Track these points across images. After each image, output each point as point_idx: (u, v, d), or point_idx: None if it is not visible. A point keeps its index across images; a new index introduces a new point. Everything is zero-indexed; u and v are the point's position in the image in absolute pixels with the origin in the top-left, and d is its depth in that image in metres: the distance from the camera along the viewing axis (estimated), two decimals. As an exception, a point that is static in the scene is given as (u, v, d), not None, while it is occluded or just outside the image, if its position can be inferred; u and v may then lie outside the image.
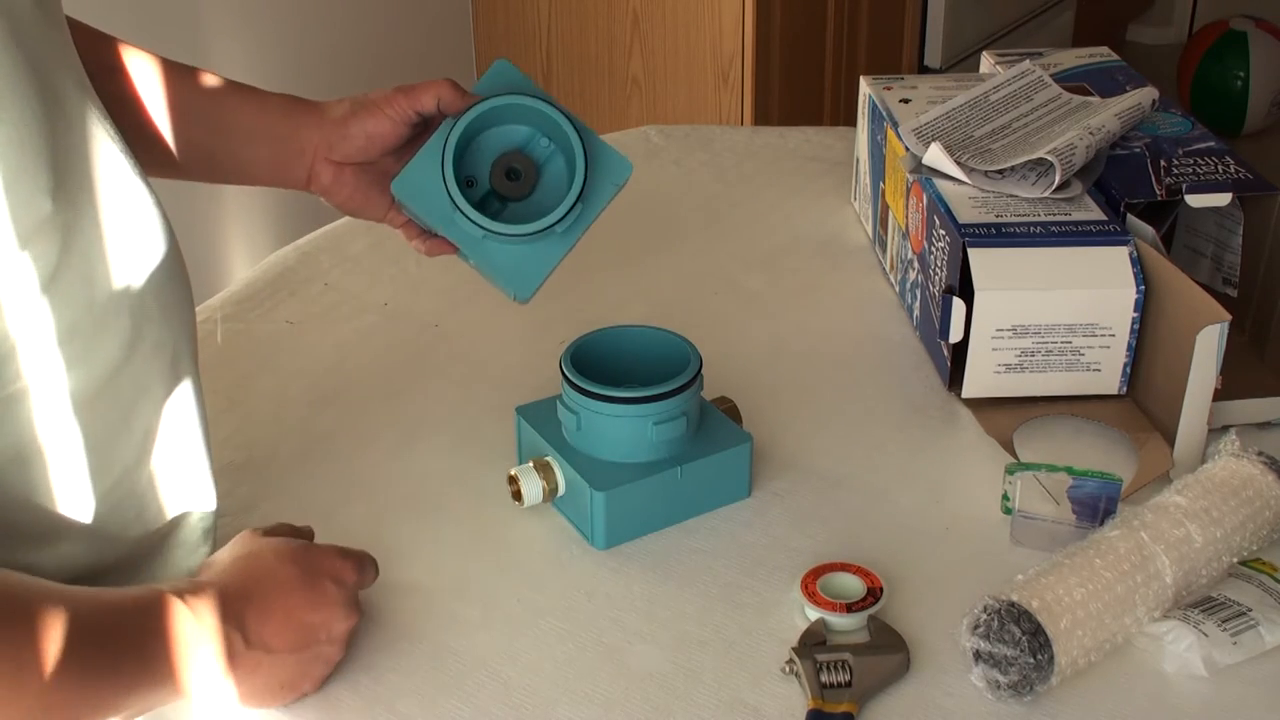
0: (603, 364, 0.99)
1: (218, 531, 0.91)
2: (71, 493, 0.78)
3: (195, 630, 0.75)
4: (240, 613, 0.77)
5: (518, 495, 0.97)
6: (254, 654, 0.77)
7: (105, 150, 0.78)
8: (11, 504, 0.75)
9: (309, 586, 0.81)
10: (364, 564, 0.86)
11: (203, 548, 0.89)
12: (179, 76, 0.99)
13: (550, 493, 0.97)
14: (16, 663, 0.66)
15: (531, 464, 0.97)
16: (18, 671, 0.66)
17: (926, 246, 1.14)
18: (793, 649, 0.84)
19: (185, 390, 0.85)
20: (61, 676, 0.67)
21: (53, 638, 0.68)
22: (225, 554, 0.83)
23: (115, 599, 0.74)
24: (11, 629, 0.67)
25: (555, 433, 0.98)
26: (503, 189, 1.00)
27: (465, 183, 0.99)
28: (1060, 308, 1.05)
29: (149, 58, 0.97)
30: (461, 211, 0.96)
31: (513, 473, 0.97)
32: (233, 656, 0.76)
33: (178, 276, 0.85)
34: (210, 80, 1.00)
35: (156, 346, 0.81)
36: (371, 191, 1.02)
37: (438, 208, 0.97)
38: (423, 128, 1.00)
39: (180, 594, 0.76)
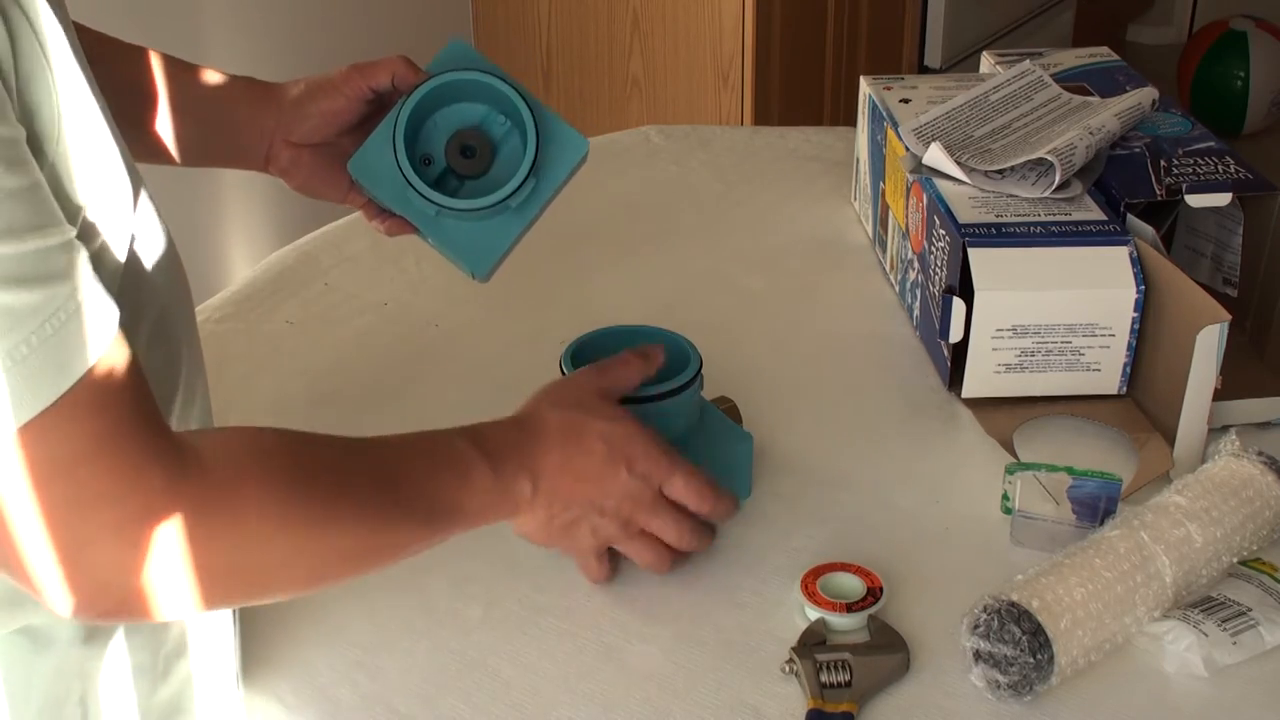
0: (603, 364, 0.99)
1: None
2: None
3: (492, 478, 0.83)
4: (540, 465, 0.85)
5: (518, 495, 0.97)
6: (538, 502, 0.85)
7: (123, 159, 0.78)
8: None
9: (605, 470, 0.87)
10: (690, 482, 0.90)
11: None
12: (138, 60, 0.98)
13: (550, 493, 0.96)
14: (338, 499, 0.75)
15: (531, 464, 0.97)
16: (341, 507, 0.75)
17: (926, 246, 1.14)
18: (793, 649, 0.84)
19: (191, 391, 0.85)
20: (374, 514, 0.77)
21: (373, 478, 0.78)
22: (553, 401, 0.89)
23: (426, 453, 0.83)
24: (337, 482, 0.76)
25: (555, 433, 0.98)
26: (458, 166, 0.98)
27: (422, 161, 0.98)
28: (1060, 308, 1.05)
29: (106, 40, 0.97)
30: (414, 188, 0.95)
31: (513, 473, 0.97)
32: (518, 503, 0.85)
33: (179, 279, 0.85)
34: (168, 63, 1.00)
35: (168, 358, 0.81)
36: (330, 173, 1.01)
37: (393, 186, 0.96)
38: (379, 106, 0.99)
39: (488, 450, 0.83)
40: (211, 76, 1.01)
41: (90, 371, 0.63)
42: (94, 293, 0.64)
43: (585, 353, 0.99)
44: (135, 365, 0.67)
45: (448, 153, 0.98)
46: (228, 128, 1.01)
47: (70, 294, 0.63)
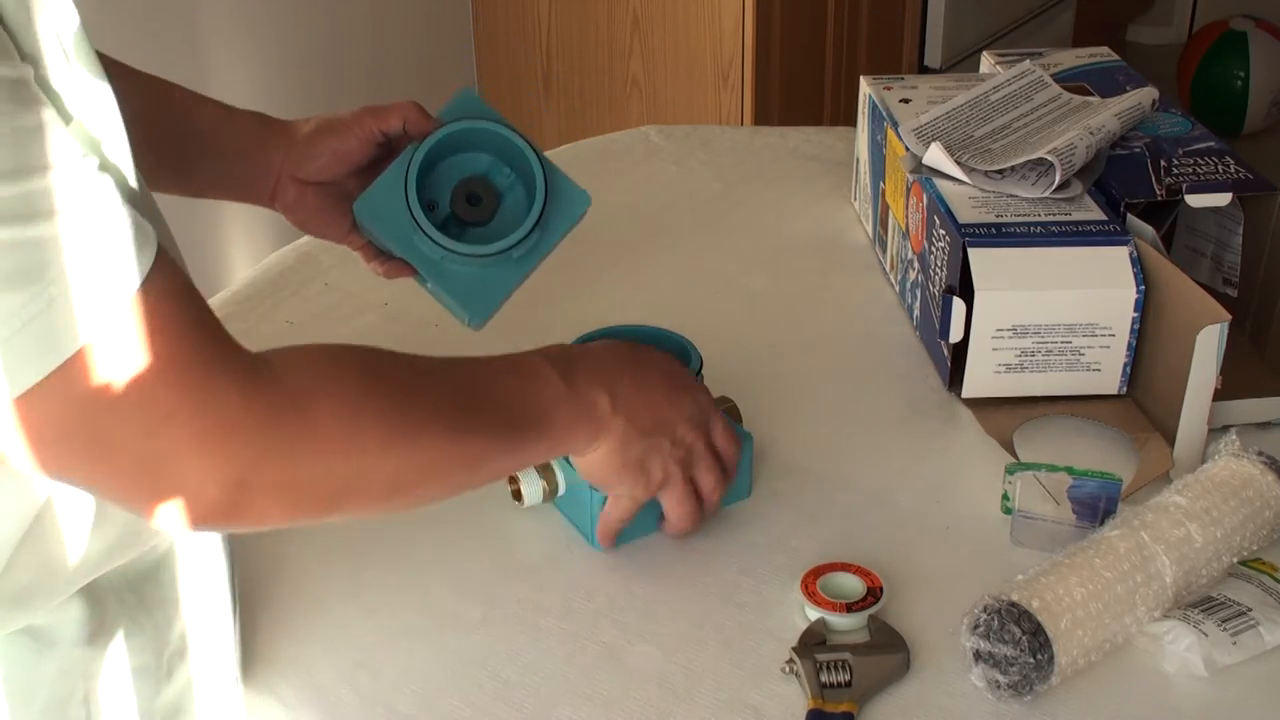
0: (603, 364, 0.99)
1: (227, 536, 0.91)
2: (90, 523, 0.77)
3: (566, 389, 0.84)
4: (614, 381, 0.86)
5: (518, 495, 0.97)
6: (618, 420, 0.86)
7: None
8: (38, 551, 0.75)
9: (671, 392, 0.90)
10: (726, 429, 0.93)
11: (213, 549, 0.89)
12: (149, 88, 0.99)
13: (550, 493, 0.97)
14: (419, 417, 0.75)
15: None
16: (421, 425, 0.75)
17: (926, 246, 1.14)
18: (793, 649, 0.84)
19: None
20: (461, 431, 0.78)
21: (451, 398, 0.78)
22: (601, 342, 0.93)
23: (499, 365, 0.83)
24: (411, 391, 0.76)
25: (555, 433, 0.98)
26: (463, 213, 1.01)
27: (427, 207, 0.99)
28: (1060, 308, 1.05)
29: (118, 67, 0.97)
30: (423, 230, 0.97)
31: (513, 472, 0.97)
32: (600, 419, 0.85)
33: None
34: (178, 94, 1.01)
35: None
36: (333, 213, 1.03)
37: (398, 229, 0.98)
38: (387, 149, 1.01)
39: (559, 363, 0.85)
40: (222, 109, 1.02)
41: (141, 291, 0.64)
42: (128, 215, 0.65)
43: (585, 353, 0.99)
44: (189, 284, 0.68)
45: (454, 199, 1.01)
46: (236, 161, 1.02)
47: (103, 219, 0.63)
